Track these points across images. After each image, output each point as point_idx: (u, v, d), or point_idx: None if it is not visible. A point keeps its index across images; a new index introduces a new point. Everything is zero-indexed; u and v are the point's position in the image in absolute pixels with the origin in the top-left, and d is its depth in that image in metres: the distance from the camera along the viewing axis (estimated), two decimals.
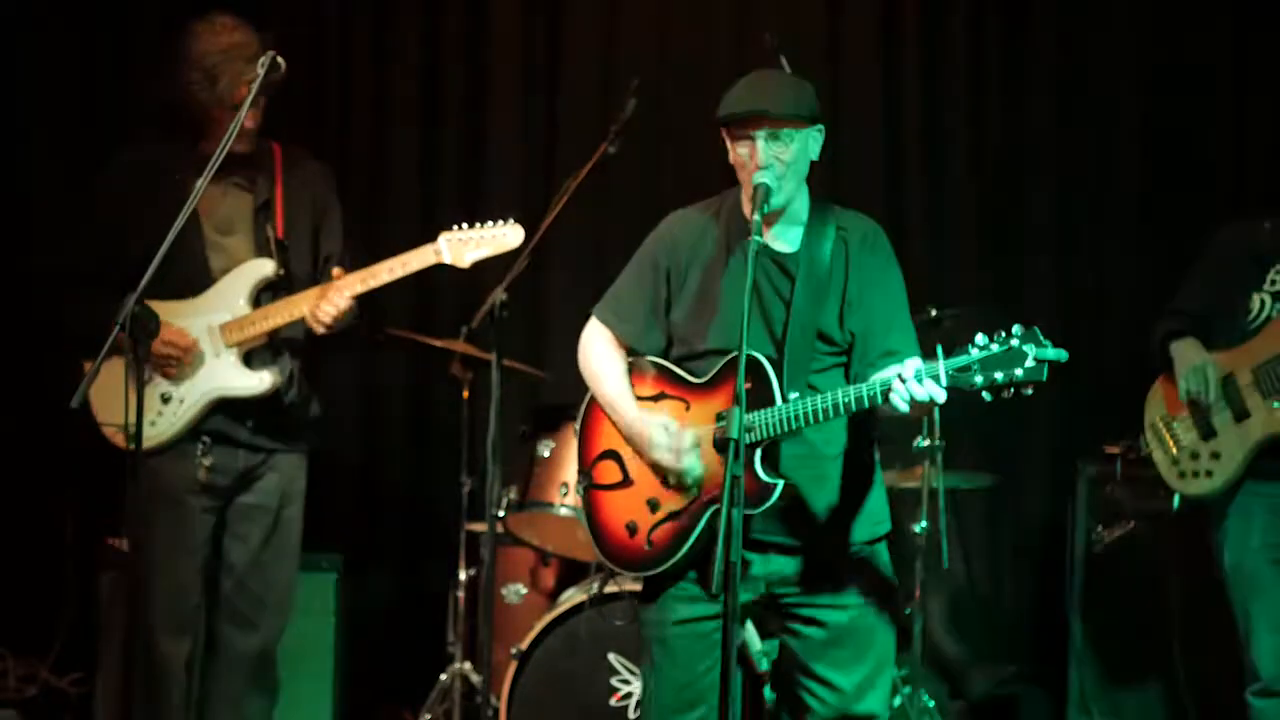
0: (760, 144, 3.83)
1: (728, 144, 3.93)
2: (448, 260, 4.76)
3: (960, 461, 6.02)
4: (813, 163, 3.95)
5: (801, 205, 3.99)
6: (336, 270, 4.74)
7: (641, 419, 3.98)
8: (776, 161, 3.84)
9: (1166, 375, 5.11)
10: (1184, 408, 5.01)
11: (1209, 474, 4.95)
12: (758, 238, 3.69)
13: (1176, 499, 5.11)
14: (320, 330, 4.70)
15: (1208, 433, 4.96)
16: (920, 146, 6.70)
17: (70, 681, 6.22)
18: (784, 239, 3.98)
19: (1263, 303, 4.95)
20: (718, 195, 4.11)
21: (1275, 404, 4.83)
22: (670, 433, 3.92)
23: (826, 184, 6.51)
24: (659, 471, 3.96)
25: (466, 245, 4.75)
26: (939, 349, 3.60)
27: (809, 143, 3.91)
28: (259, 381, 4.75)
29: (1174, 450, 5.05)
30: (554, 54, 6.79)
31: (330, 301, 4.67)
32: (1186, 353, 5.03)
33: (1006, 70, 6.68)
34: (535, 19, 6.80)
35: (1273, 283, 4.95)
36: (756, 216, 3.73)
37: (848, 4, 6.72)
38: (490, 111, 6.81)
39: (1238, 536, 4.91)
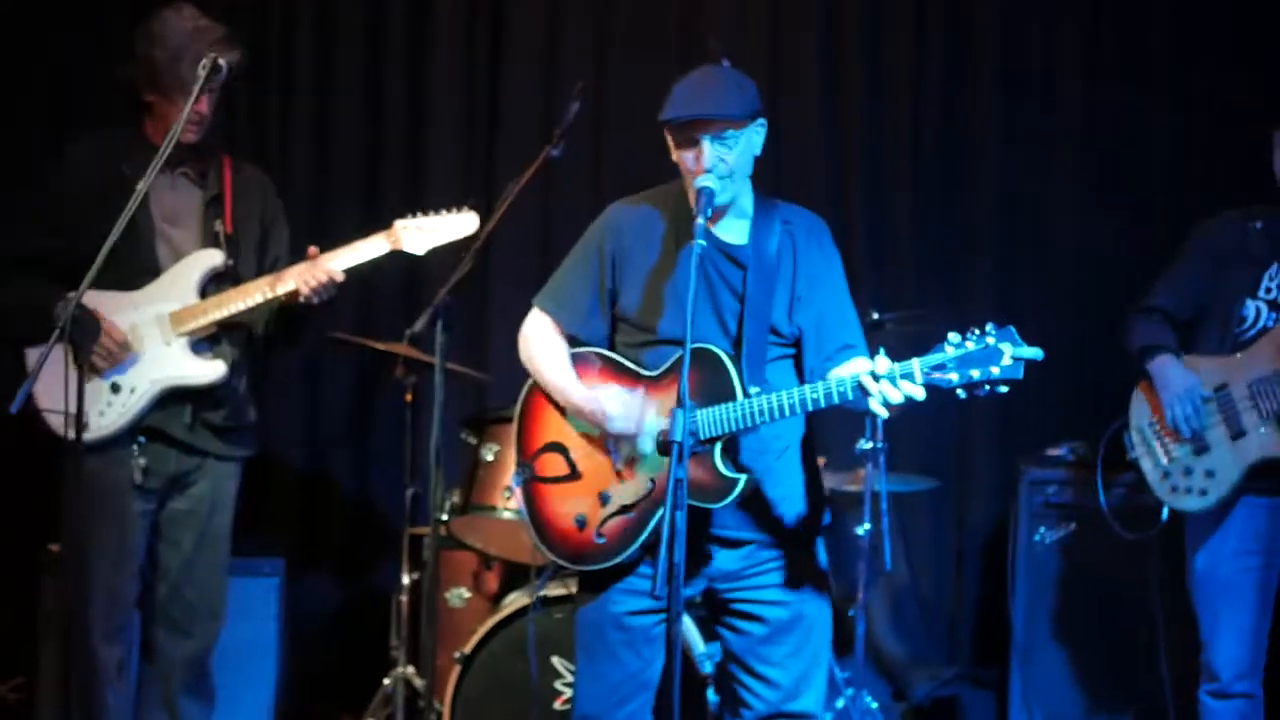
0: (705, 147, 3.84)
1: (671, 145, 3.93)
2: (404, 248, 4.80)
3: (903, 464, 6.05)
4: (756, 156, 3.97)
5: (747, 199, 4.02)
6: (312, 249, 4.75)
7: (595, 394, 3.95)
8: (721, 163, 3.85)
9: (1149, 381, 5.01)
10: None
11: (1203, 492, 4.85)
12: (701, 241, 3.70)
13: (1165, 511, 5.04)
14: (307, 294, 4.70)
15: (1201, 447, 4.86)
16: (862, 149, 6.71)
17: (10, 688, 6.15)
18: (732, 231, 4.00)
19: (1258, 311, 4.86)
20: (661, 186, 4.11)
21: (1272, 425, 4.75)
22: (625, 403, 3.92)
23: (768, 191, 6.55)
24: (616, 447, 3.95)
25: (422, 233, 4.80)
26: (881, 350, 3.62)
27: (752, 139, 3.93)
28: (211, 370, 4.76)
29: (1165, 461, 4.94)
30: (495, 54, 6.77)
31: (320, 269, 4.69)
32: (1170, 376, 4.90)
33: (948, 76, 6.71)
34: (478, 19, 6.78)
35: (1267, 290, 4.86)
36: (700, 220, 3.74)
37: (792, 9, 6.74)
38: (431, 113, 6.78)
39: (1214, 542, 4.88)
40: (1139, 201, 6.51)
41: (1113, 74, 6.61)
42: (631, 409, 3.92)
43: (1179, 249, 5.10)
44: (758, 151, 3.96)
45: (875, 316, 5.63)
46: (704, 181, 3.82)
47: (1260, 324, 4.86)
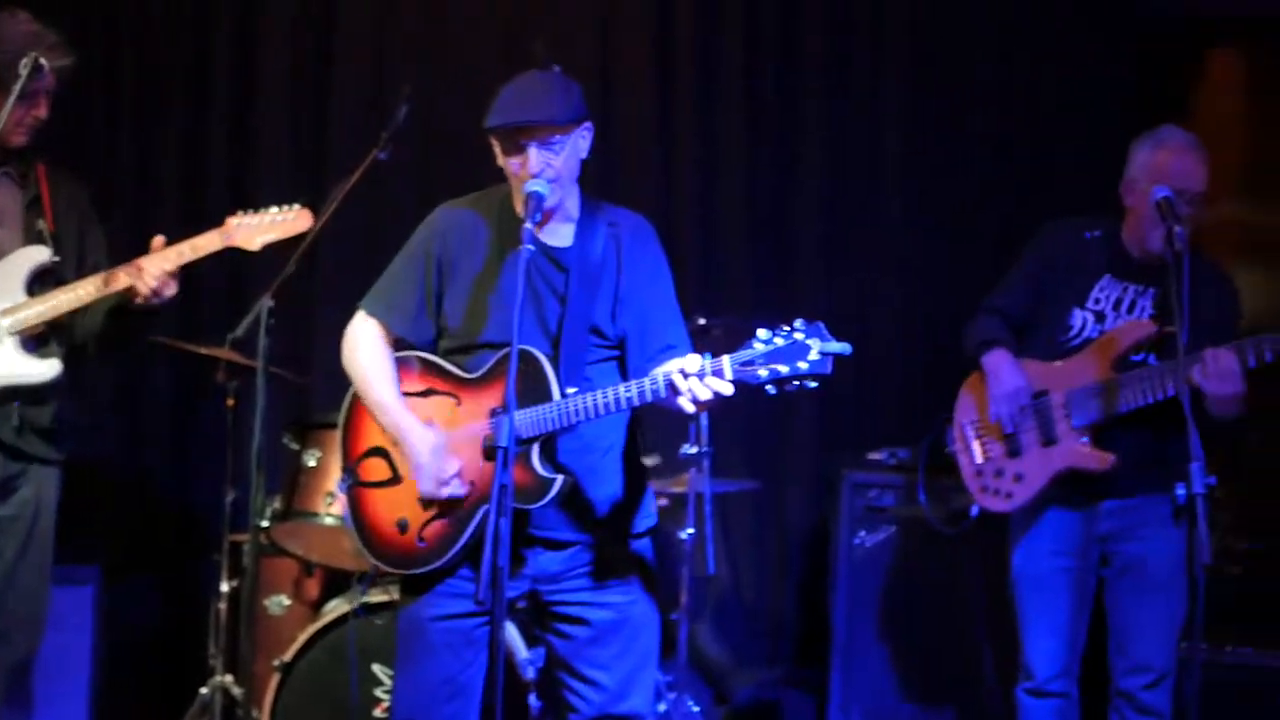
0: (531, 153, 3.84)
1: (497, 150, 3.93)
2: (237, 243, 4.74)
3: (724, 465, 6.10)
4: (583, 160, 3.98)
5: (573, 202, 4.02)
6: (158, 240, 4.69)
7: (412, 436, 3.93)
8: (548, 168, 3.86)
9: (981, 377, 5.03)
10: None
11: (1009, 495, 4.93)
12: (530, 246, 3.70)
13: (976, 508, 5.09)
14: (145, 292, 4.63)
15: (1014, 450, 4.93)
16: (692, 155, 6.76)
17: None
18: (557, 235, 4.00)
19: (1084, 321, 4.89)
20: (487, 189, 4.11)
21: (1083, 437, 4.82)
22: (436, 458, 3.90)
23: (599, 196, 6.56)
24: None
25: (255, 229, 4.74)
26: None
27: (579, 143, 3.94)
28: (47, 368, 4.69)
29: (980, 460, 5.01)
30: (324, 56, 6.72)
31: (156, 265, 4.63)
32: (1001, 372, 4.93)
33: (781, 87, 6.77)
34: (305, 20, 6.72)
35: (1096, 301, 4.89)
36: (529, 225, 3.74)
37: (620, 12, 6.77)
38: (259, 114, 6.72)
39: (1029, 540, 4.95)
40: (961, 213, 6.62)
41: (935, 87, 6.73)
42: (439, 471, 3.89)
43: (1020, 252, 5.13)
44: (584, 155, 3.98)
45: (702, 322, 5.67)
46: (532, 186, 3.82)
47: (1085, 334, 4.89)
